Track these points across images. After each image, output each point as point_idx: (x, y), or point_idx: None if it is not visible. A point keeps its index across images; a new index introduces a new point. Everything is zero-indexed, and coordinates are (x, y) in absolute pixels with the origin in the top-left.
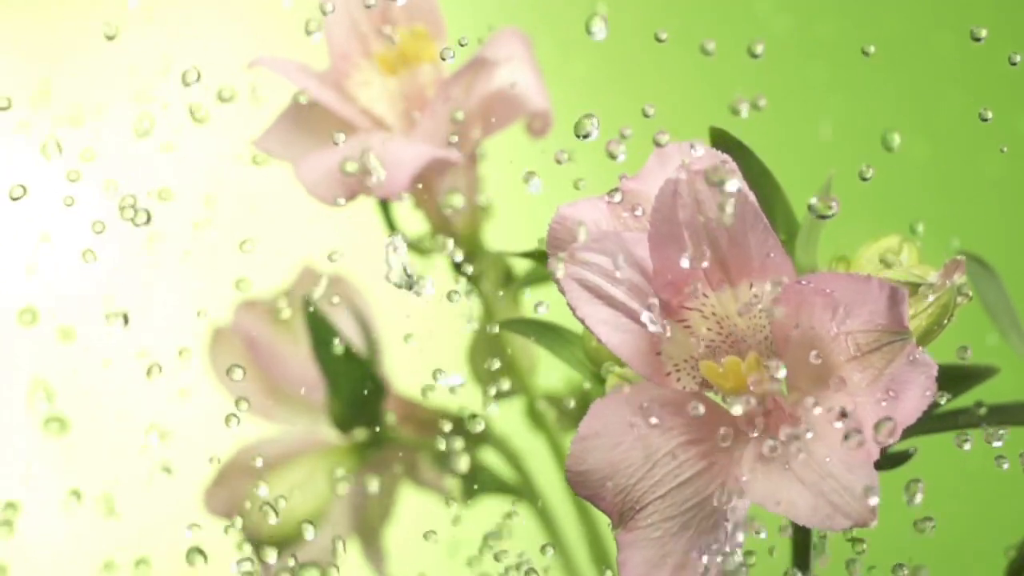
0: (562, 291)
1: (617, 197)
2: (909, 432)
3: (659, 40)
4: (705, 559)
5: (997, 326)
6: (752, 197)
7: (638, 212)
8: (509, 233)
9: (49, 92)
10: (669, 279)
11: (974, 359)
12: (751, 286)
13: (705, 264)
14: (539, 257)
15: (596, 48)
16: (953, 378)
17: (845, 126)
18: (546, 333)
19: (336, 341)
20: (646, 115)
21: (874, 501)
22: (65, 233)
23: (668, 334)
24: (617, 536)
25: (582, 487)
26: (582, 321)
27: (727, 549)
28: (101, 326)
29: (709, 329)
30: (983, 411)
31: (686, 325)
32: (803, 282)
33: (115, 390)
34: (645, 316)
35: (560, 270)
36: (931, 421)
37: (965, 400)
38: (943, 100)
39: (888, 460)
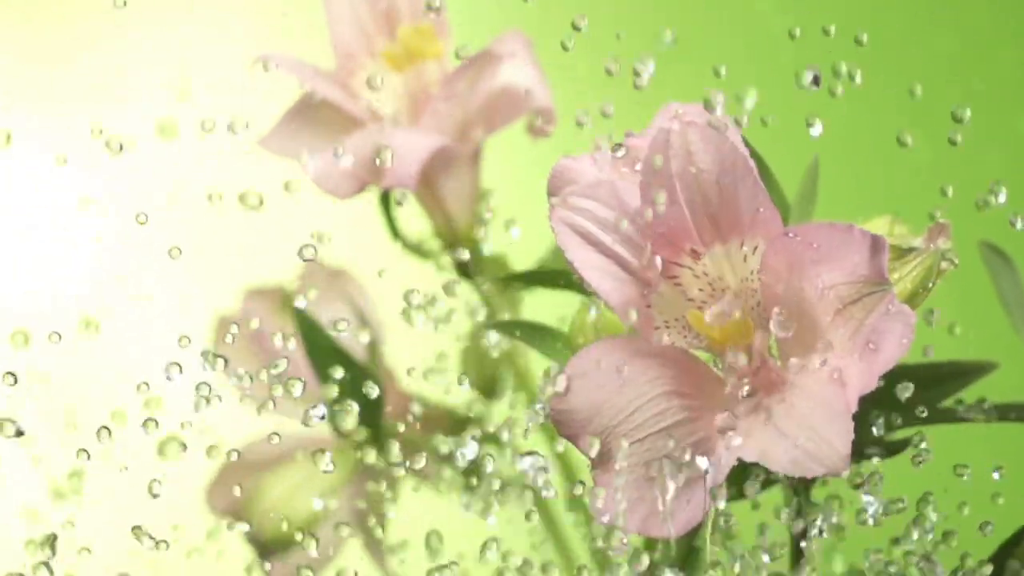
0: (555, 235)
1: (621, 152)
2: (910, 423)
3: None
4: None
5: (1011, 319)
6: (744, 151)
7: (638, 167)
8: (508, 233)
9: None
10: (661, 231)
11: (978, 355)
12: (741, 244)
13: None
14: (532, 279)
15: (596, 48)
16: (953, 373)
17: (845, 126)
18: (535, 334)
19: (330, 350)
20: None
21: (848, 450)
22: (67, 231)
23: (660, 289)
24: (594, 476)
25: (564, 425)
26: (571, 265)
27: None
28: (102, 323)
29: (701, 290)
30: (985, 406)
31: (677, 283)
32: (790, 234)
33: (116, 385)
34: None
35: (553, 214)
36: (932, 413)
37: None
38: (943, 100)
39: (887, 448)
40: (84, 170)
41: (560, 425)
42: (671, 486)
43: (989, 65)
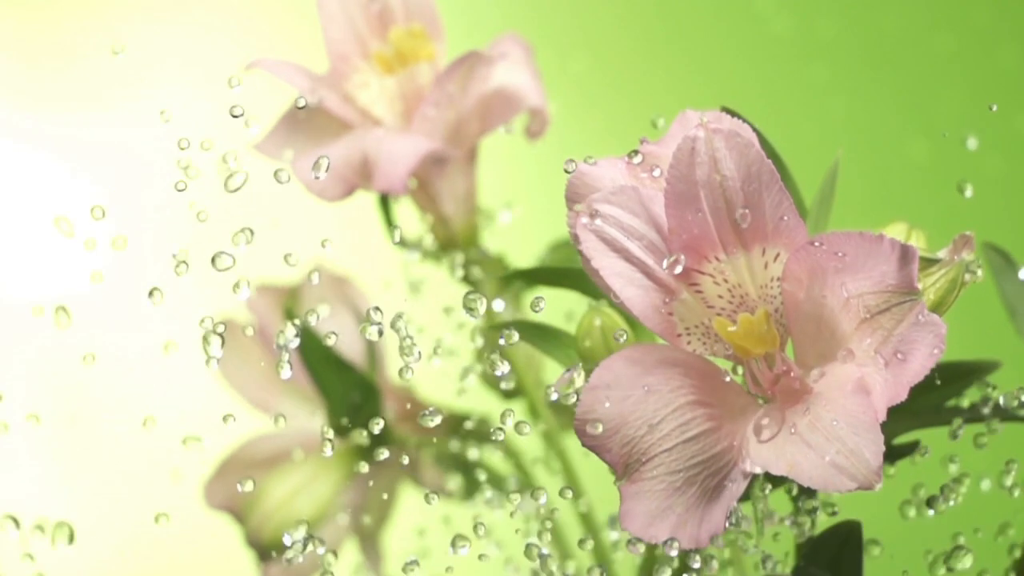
0: (577, 242)
1: (637, 159)
2: (914, 424)
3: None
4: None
5: (1013, 321)
6: (769, 160)
7: (656, 173)
8: (509, 233)
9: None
10: (684, 240)
11: (980, 354)
12: (763, 251)
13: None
14: (537, 276)
15: (595, 50)
16: (956, 373)
17: (845, 126)
18: (540, 334)
19: (325, 354)
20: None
21: (879, 463)
22: (66, 229)
23: (682, 297)
24: (621, 487)
25: (590, 437)
26: (596, 273)
27: (731, 510)
28: (100, 323)
29: (720, 296)
30: (989, 406)
31: (698, 290)
32: (815, 243)
33: (115, 385)
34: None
35: (577, 221)
36: (936, 414)
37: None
38: (943, 100)
39: (892, 452)
40: (85, 169)
41: (585, 436)
42: (698, 496)
43: (989, 65)
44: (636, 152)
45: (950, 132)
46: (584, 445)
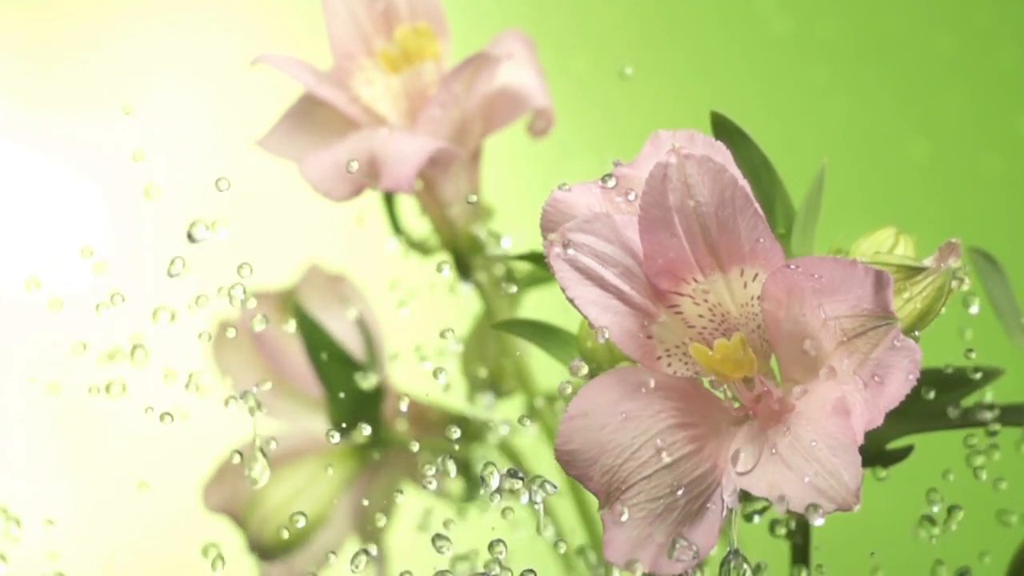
0: (552, 272)
1: (611, 182)
2: (910, 429)
3: (627, 73)
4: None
5: (1002, 323)
6: (743, 182)
7: (631, 196)
8: (509, 233)
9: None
10: (660, 264)
11: (981, 359)
12: (741, 272)
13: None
14: (535, 259)
15: (595, 50)
16: (956, 382)
17: (845, 126)
18: (542, 333)
19: (331, 350)
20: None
21: (857, 484)
22: (63, 228)
23: (661, 319)
24: (603, 515)
25: (570, 466)
26: (572, 302)
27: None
28: (99, 321)
29: (701, 316)
30: (987, 412)
31: (677, 311)
32: (791, 267)
33: (114, 385)
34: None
35: (551, 250)
36: (932, 419)
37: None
38: (943, 100)
39: (886, 457)
40: (83, 170)
41: (566, 466)
42: (678, 522)
43: (989, 65)
44: (610, 175)
45: (950, 132)
46: (568, 475)
